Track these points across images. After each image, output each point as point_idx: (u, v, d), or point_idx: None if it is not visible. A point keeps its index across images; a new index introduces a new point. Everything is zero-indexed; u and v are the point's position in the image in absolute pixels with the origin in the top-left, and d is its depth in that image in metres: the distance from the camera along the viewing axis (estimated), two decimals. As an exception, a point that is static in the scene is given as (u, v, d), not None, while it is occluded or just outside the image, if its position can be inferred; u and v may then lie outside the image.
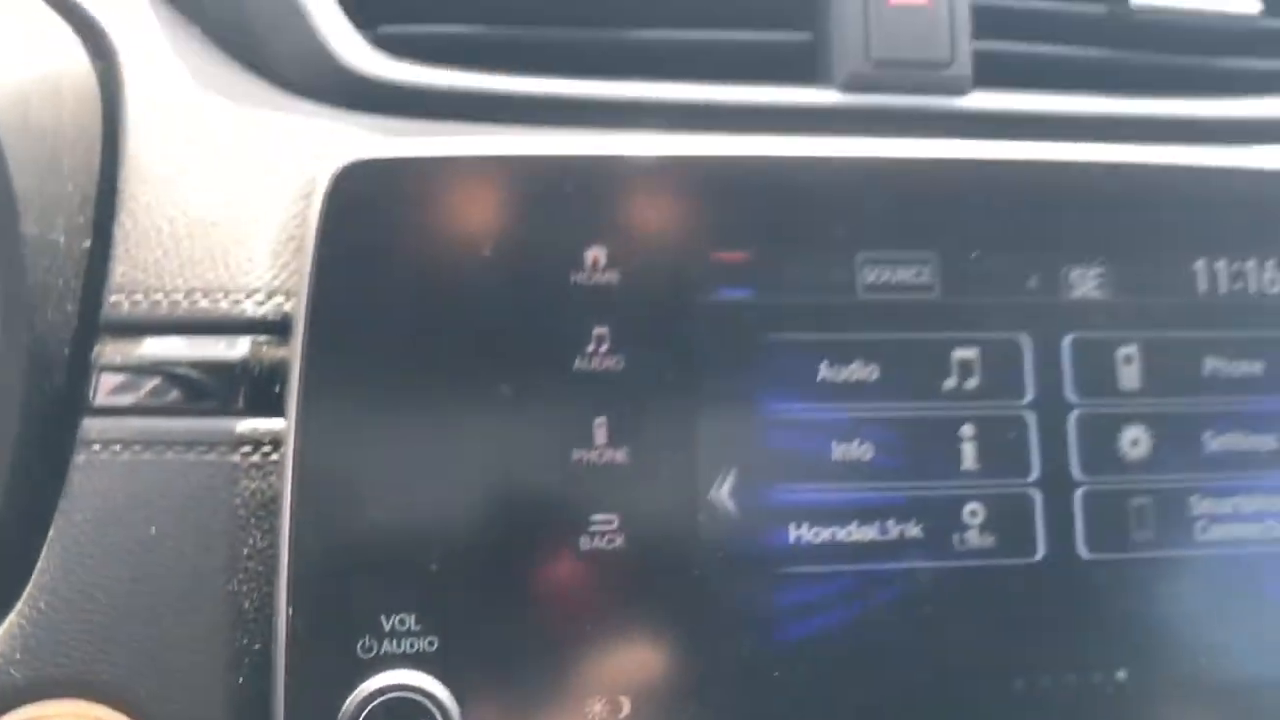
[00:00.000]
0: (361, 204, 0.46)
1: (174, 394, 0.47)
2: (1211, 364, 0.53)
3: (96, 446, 0.45)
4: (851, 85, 0.57)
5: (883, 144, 0.52)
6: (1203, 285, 0.53)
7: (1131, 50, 0.61)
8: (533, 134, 0.53)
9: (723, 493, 0.47)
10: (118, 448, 0.46)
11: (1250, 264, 0.54)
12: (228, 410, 0.47)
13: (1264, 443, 0.53)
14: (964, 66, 0.57)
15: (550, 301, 0.47)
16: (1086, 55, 0.61)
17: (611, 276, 0.47)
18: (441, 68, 0.54)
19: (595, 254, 0.47)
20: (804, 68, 0.58)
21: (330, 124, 0.52)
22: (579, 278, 0.47)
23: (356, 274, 0.46)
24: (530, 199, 0.47)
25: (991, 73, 0.59)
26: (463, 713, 0.43)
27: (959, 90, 0.58)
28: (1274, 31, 0.63)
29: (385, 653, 0.43)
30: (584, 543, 0.46)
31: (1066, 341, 0.51)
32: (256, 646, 0.45)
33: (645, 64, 0.56)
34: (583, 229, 0.47)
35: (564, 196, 0.48)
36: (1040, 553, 0.50)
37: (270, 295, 0.48)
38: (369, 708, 0.42)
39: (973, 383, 0.50)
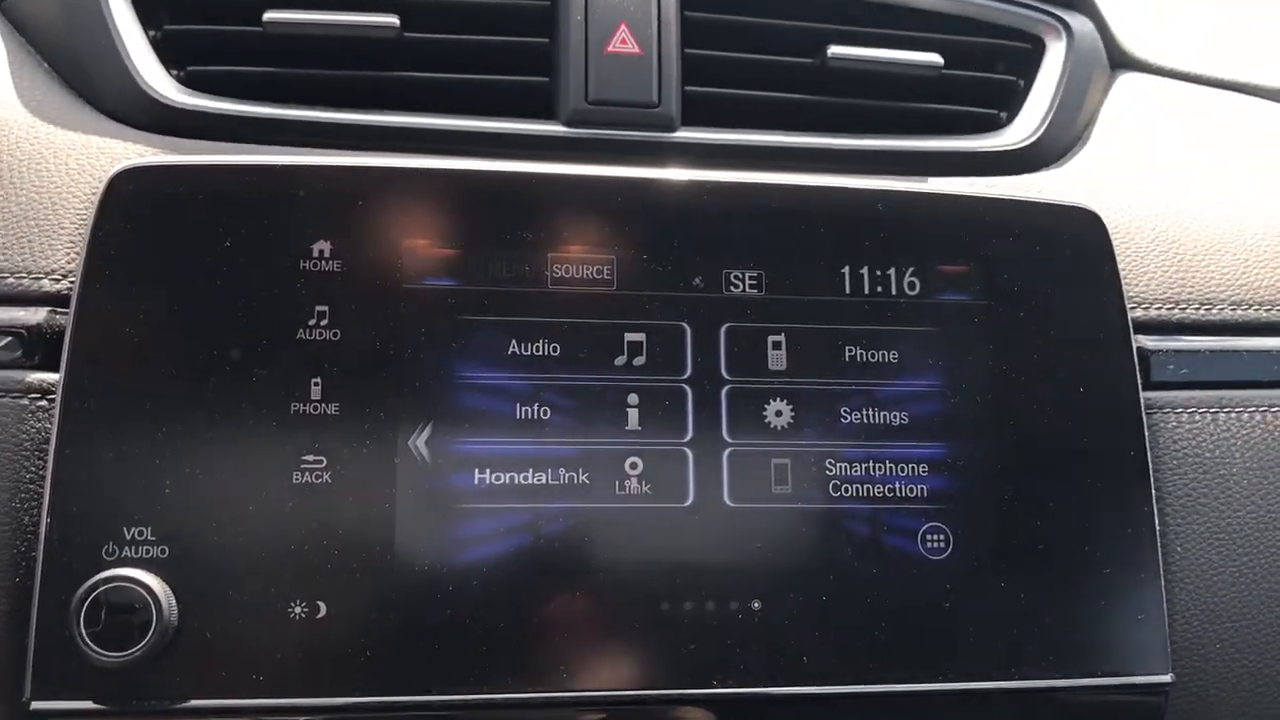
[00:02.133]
0: (132, 201, 0.58)
1: (-18, 351, 0.58)
2: (851, 352, 0.63)
3: (-85, 390, 0.57)
4: (573, 120, 0.69)
5: (588, 169, 0.64)
6: (848, 287, 0.64)
7: (825, 95, 0.73)
8: (293, 152, 0.64)
9: (419, 442, 0.58)
10: (-67, 392, 0.57)
11: (891, 271, 0.65)
12: (23, 365, 0.58)
13: (894, 418, 0.63)
14: (671, 107, 0.69)
15: (281, 282, 0.58)
16: (786, 98, 0.72)
17: (335, 265, 0.59)
18: (228, 100, 0.66)
19: (321, 246, 0.59)
20: (540, 106, 0.69)
21: (131, 143, 0.64)
22: (307, 264, 0.59)
23: (123, 258, 0.58)
24: (269, 199, 0.59)
25: (704, 112, 0.70)
26: (181, 606, 0.54)
27: (667, 127, 0.69)
28: (954, 79, 0.75)
29: (124, 556, 0.55)
30: (295, 477, 0.57)
31: (723, 330, 0.62)
32: (32, 552, 0.56)
33: (407, 99, 0.68)
34: (313, 225, 0.59)
35: (299, 199, 0.60)
36: (690, 499, 0.60)
37: (65, 275, 0.60)
38: (95, 593, 0.53)
39: (640, 360, 0.61)
